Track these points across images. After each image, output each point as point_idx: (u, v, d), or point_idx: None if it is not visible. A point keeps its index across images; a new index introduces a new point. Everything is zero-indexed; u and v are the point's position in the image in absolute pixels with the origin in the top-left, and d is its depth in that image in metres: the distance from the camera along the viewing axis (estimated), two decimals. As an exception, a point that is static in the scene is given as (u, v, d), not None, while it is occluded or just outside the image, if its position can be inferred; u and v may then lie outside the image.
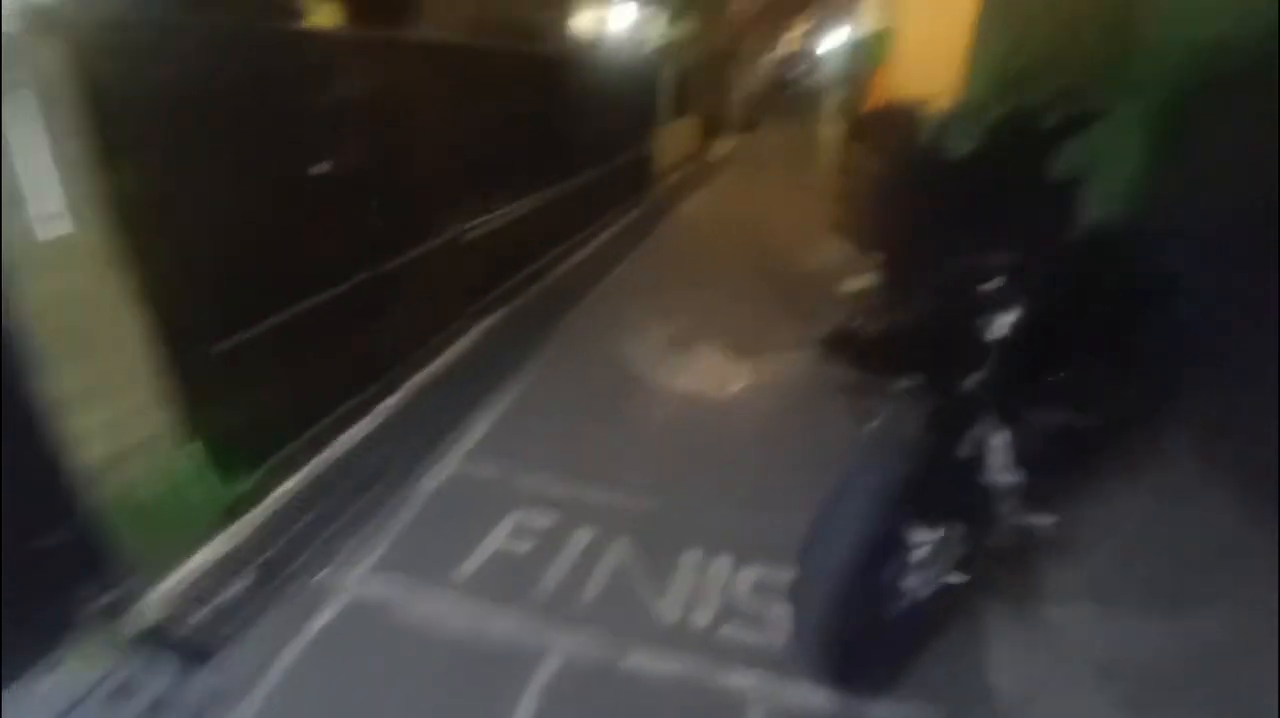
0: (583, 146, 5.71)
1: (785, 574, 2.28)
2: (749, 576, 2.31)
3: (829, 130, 9.83)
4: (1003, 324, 2.04)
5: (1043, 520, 2.00)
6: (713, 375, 3.72)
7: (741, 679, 1.92)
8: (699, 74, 9.79)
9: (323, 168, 2.53)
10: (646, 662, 1.95)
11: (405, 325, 3.30)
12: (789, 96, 16.34)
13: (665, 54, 8.42)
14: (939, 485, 1.81)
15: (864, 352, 1.87)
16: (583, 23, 6.71)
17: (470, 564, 2.28)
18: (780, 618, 2.13)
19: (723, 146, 11.91)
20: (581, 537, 2.43)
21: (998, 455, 1.87)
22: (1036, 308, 2.03)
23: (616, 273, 5.43)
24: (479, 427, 3.12)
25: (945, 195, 4.50)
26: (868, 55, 6.89)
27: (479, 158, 3.86)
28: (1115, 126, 3.91)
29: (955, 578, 1.88)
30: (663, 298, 4.88)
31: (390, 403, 3.12)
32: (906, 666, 1.93)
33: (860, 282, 5.28)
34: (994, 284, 2.12)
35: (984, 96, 4.65)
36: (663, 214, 7.46)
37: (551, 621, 2.08)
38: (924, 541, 1.82)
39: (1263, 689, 1.85)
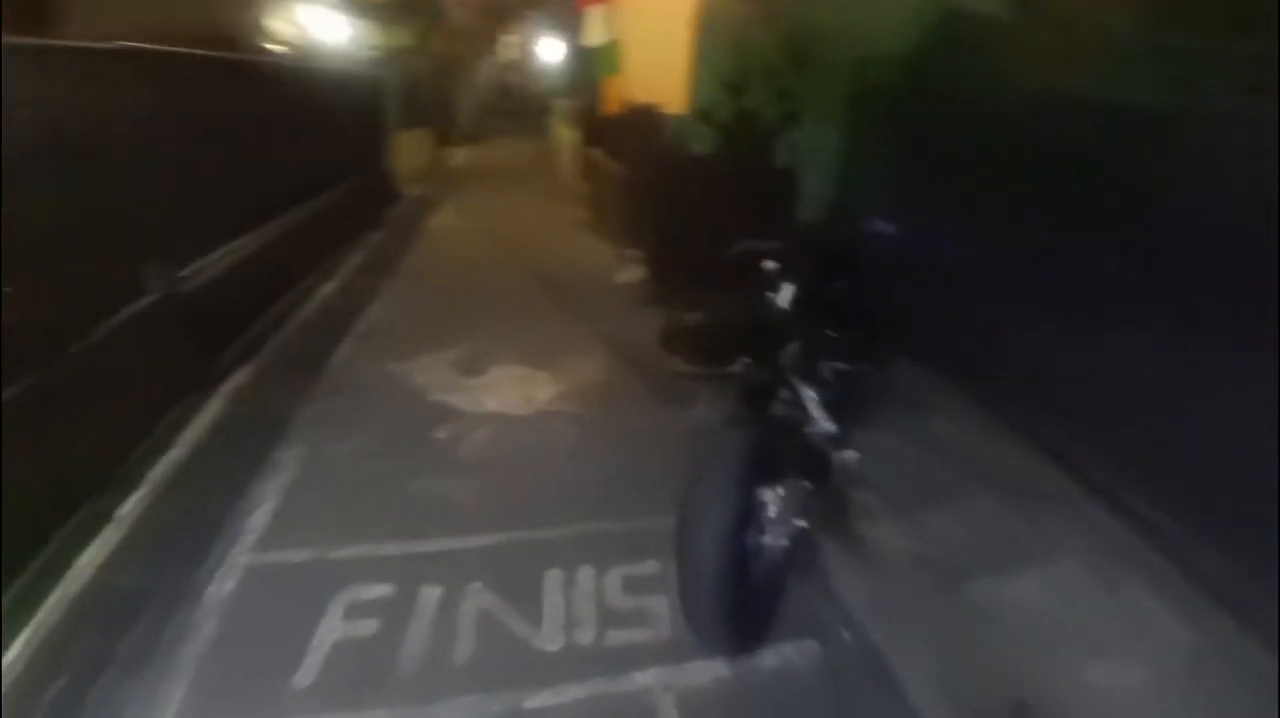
0: (314, 165, 5.10)
1: (648, 566, 2.36)
2: (615, 579, 2.31)
3: (563, 136, 10.14)
4: (785, 299, 2.31)
5: (850, 456, 2.32)
6: (515, 392, 3.61)
7: (643, 679, 1.92)
8: (424, 83, 9.35)
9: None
10: (546, 700, 1.85)
11: (128, 406, 2.63)
12: (515, 103, 16.45)
13: (387, 63, 7.88)
14: (776, 447, 2.00)
15: (698, 345, 1.97)
16: (287, 30, 5.96)
17: (307, 669, 1.91)
18: (656, 607, 2.18)
19: (457, 156, 11.58)
20: (430, 595, 2.19)
21: (814, 409, 2.12)
22: (806, 280, 2.35)
23: (377, 302, 4.96)
24: (263, 505, 2.61)
25: (692, 188, 4.95)
26: (600, 64, 7.23)
27: (191, 187, 3.21)
28: (815, 124, 4.70)
29: (800, 524, 2.09)
30: (437, 321, 4.59)
31: (132, 504, 2.47)
32: (776, 613, 2.11)
33: (627, 275, 5.60)
34: (771, 266, 2.40)
35: (711, 100, 5.19)
36: (412, 232, 7.01)
37: (426, 699, 1.84)
38: (772, 498, 2.00)
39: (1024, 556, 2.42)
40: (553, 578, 2.29)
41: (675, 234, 4.83)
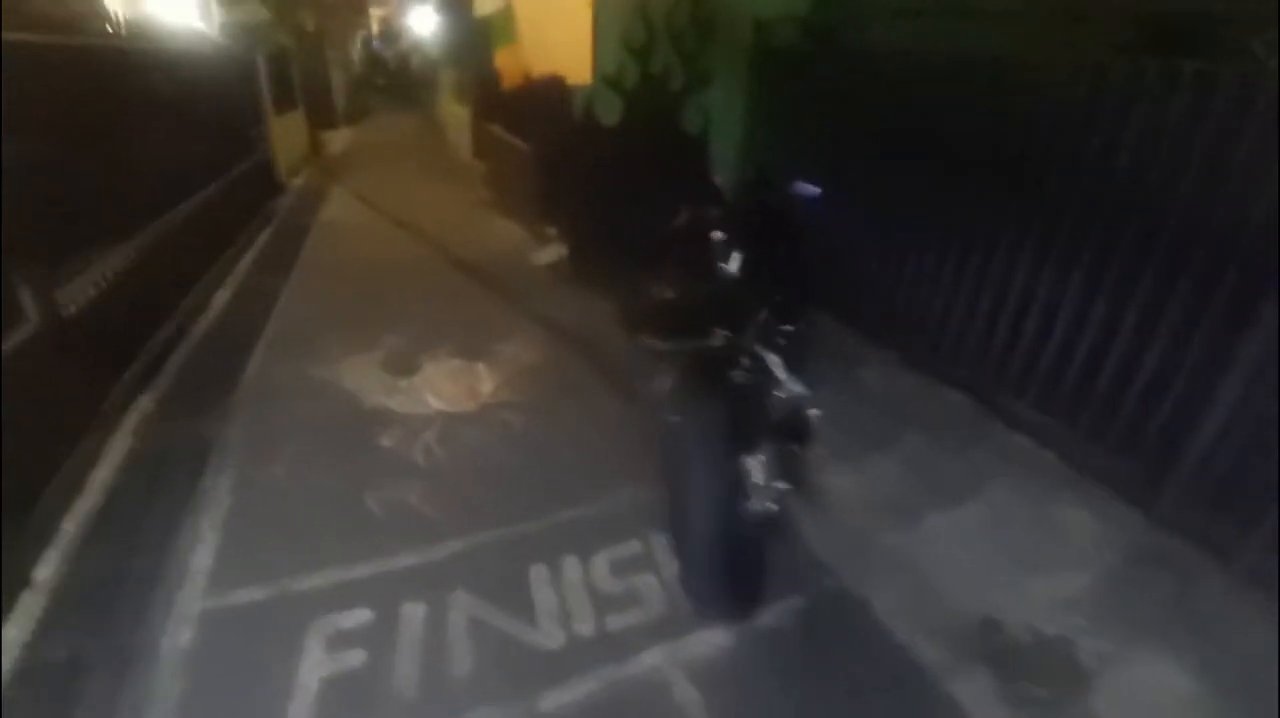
0: (187, 159, 4.56)
1: (631, 546, 2.38)
2: (601, 564, 2.31)
3: (451, 112, 9.63)
4: (735, 266, 2.34)
5: (814, 412, 2.41)
6: (456, 387, 3.47)
7: (650, 659, 1.95)
8: (291, 62, 8.53)
9: None
10: (560, 698, 1.83)
11: (22, 455, 2.29)
12: (391, 78, 15.38)
13: (246, 43, 7.10)
14: (752, 414, 2.05)
15: (672, 320, 1.96)
16: (122, 10, 5.22)
17: (298, 712, 1.79)
18: (647, 585, 2.21)
19: (337, 139, 10.74)
20: (414, 613, 2.10)
21: (780, 373, 2.18)
22: (753, 247, 2.39)
23: (281, 305, 4.57)
24: (203, 544, 2.38)
25: (605, 160, 4.88)
26: (494, 34, 6.85)
27: (54, 195, 2.79)
28: (722, 87, 4.72)
29: (782, 486, 2.17)
30: (352, 319, 4.30)
31: (51, 564, 2.18)
32: (766, 573, 2.19)
33: (545, 254, 5.47)
34: (719, 235, 2.41)
35: (616, 68, 5.08)
36: (304, 225, 6.48)
37: (435, 719, 1.78)
38: (754, 465, 2.05)
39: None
40: (538, 573, 2.26)
41: (592, 209, 4.74)
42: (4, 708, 1.73)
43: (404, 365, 3.66)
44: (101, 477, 2.60)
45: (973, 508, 2.60)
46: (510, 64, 6.69)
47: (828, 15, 4.08)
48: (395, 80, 15.18)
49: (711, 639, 2.02)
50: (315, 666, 1.92)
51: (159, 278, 3.77)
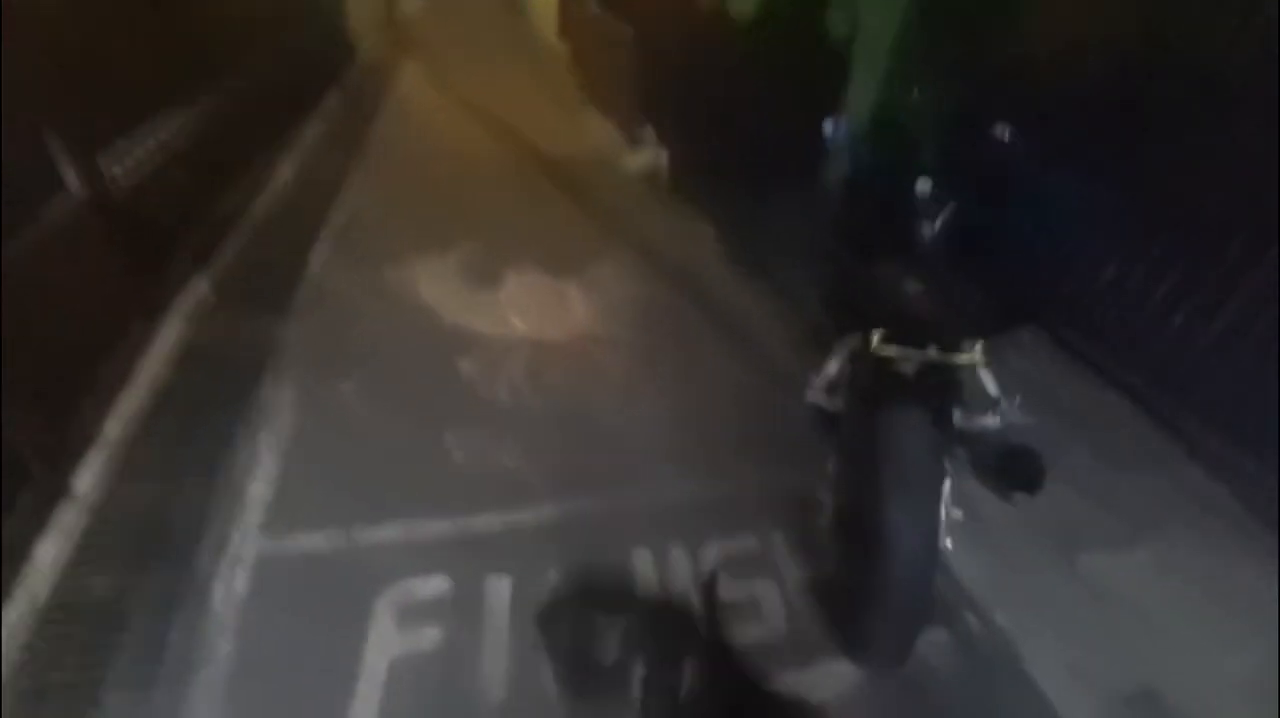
0: (252, 14, 4.03)
1: (746, 542, 2.01)
2: (712, 558, 1.95)
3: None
4: (938, 233, 1.82)
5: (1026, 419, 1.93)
6: (543, 309, 3.05)
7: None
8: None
9: None
10: None
11: (64, 342, 1.98)
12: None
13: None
14: (949, 434, 1.59)
15: (889, 319, 1.47)
16: None
17: (365, 699, 1.51)
18: (766, 595, 1.86)
19: (409, 5, 9.90)
20: (499, 591, 1.78)
21: (991, 388, 1.69)
22: (958, 203, 1.84)
23: (350, 188, 4.15)
24: (260, 469, 2.08)
25: (727, 61, 4.13)
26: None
27: (100, 44, 2.34)
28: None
29: (957, 514, 1.73)
30: (427, 212, 3.86)
31: (93, 474, 1.91)
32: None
33: (639, 159, 4.87)
34: (925, 187, 1.87)
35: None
36: (376, 101, 5.94)
37: None
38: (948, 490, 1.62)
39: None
40: (642, 561, 1.91)
41: (704, 115, 4.10)
42: (32, 646, 1.49)
43: (484, 274, 3.24)
44: (150, 371, 2.29)
45: (1145, 552, 2.14)
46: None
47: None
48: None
49: (841, 672, 1.67)
50: (385, 643, 1.64)
51: (219, 147, 3.34)
